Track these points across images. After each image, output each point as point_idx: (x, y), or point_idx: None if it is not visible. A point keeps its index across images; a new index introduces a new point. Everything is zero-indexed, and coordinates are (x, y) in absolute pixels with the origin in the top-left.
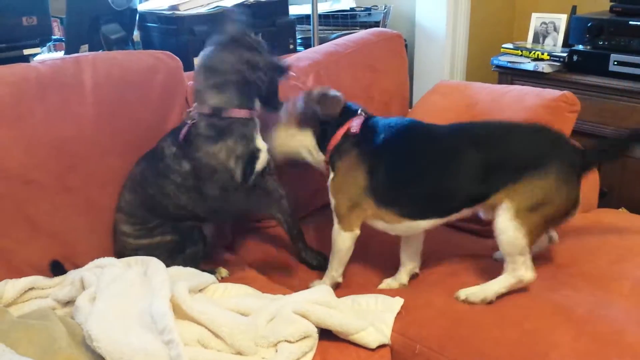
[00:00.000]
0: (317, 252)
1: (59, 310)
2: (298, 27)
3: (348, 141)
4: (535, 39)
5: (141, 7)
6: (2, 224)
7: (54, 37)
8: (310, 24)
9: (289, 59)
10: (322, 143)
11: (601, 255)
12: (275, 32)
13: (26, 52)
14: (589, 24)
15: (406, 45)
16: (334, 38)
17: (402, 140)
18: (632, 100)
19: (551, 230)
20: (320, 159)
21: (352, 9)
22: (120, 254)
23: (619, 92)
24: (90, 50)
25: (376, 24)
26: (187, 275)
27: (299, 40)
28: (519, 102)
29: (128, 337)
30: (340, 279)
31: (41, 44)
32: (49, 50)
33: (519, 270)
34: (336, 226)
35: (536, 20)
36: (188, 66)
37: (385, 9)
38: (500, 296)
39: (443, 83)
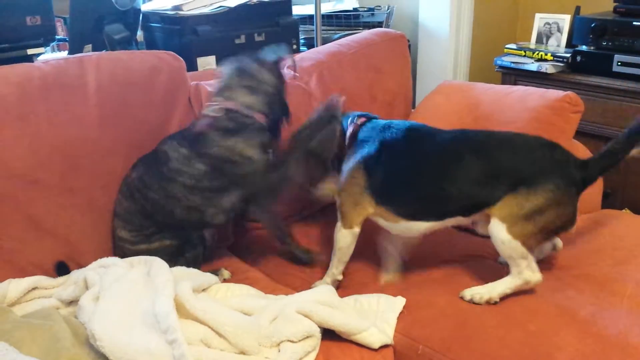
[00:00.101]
0: (306, 248)
1: (63, 310)
2: (301, 27)
3: (351, 143)
4: (539, 40)
5: (145, 7)
6: (5, 223)
7: (57, 37)
8: (313, 24)
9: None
10: None
11: (605, 257)
12: (278, 32)
13: (30, 52)
14: (592, 25)
15: (409, 46)
16: (337, 38)
17: (401, 141)
18: (636, 100)
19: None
20: None
21: (355, 9)
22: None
23: (622, 92)
24: (93, 50)
25: (379, 24)
26: (190, 276)
27: (302, 41)
28: (522, 103)
29: (131, 337)
30: (340, 277)
31: (45, 44)
32: (53, 50)
33: (524, 272)
34: (338, 224)
35: (540, 20)
36: (191, 66)
37: (388, 9)
38: (504, 297)
39: (446, 83)
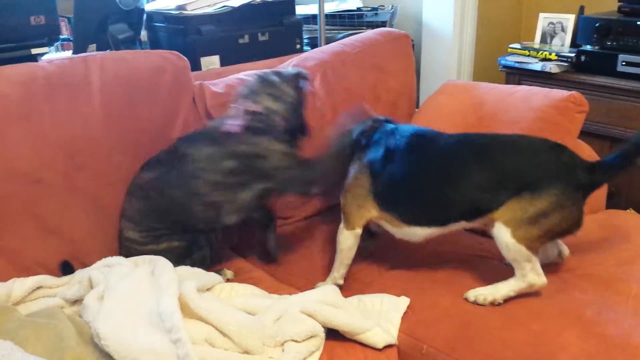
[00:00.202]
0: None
1: (67, 309)
2: (305, 27)
3: (358, 147)
4: (543, 39)
5: (148, 7)
6: (10, 222)
7: (61, 36)
8: (317, 24)
9: (296, 59)
10: None
11: (609, 257)
12: (282, 31)
13: (34, 51)
14: (596, 24)
15: (413, 45)
16: (341, 38)
17: (404, 147)
18: None
19: (560, 243)
20: None
21: (358, 9)
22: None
23: (626, 92)
24: (97, 49)
25: (383, 24)
26: (194, 275)
27: (305, 40)
28: (526, 103)
29: (136, 336)
30: (341, 281)
31: (49, 44)
32: (57, 50)
33: (528, 276)
34: (341, 225)
35: (544, 20)
36: (195, 66)
37: (392, 8)
38: (508, 298)
39: (450, 83)
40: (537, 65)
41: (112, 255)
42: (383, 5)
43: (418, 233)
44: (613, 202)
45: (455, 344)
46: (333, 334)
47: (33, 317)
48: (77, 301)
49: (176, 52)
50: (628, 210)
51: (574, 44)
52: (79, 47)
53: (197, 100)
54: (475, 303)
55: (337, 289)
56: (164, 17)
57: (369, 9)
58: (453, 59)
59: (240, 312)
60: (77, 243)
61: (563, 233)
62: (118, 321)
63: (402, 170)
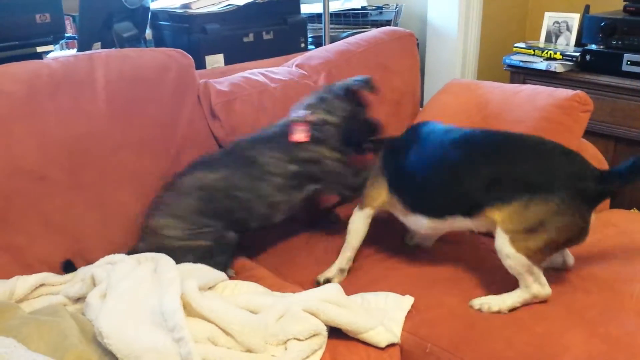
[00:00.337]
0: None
1: (70, 307)
2: (309, 26)
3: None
4: (548, 39)
5: (153, 6)
6: (14, 220)
7: (66, 34)
8: (321, 23)
9: (301, 58)
10: None
11: (613, 258)
12: (286, 30)
13: (39, 49)
14: (602, 24)
15: (417, 44)
16: (345, 37)
17: (415, 134)
18: None
19: (566, 254)
20: None
21: (363, 8)
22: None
23: (631, 92)
24: (102, 48)
25: (387, 23)
26: (197, 273)
27: (310, 39)
28: (531, 102)
29: (139, 334)
30: (346, 266)
31: (54, 42)
32: (62, 48)
33: (532, 287)
34: (356, 207)
35: (549, 19)
36: (200, 64)
37: (396, 7)
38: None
39: (454, 82)
40: (542, 65)
41: (116, 252)
42: (388, 4)
43: (421, 222)
44: (617, 202)
45: (459, 343)
46: (336, 333)
47: (36, 314)
48: (80, 299)
49: (181, 50)
50: (632, 210)
51: (579, 43)
52: (84, 46)
53: (202, 98)
54: (479, 311)
55: (340, 288)
56: (169, 15)
57: (373, 7)
58: (458, 58)
59: (243, 310)
60: (81, 240)
61: (567, 243)
62: (120, 319)
63: (410, 157)
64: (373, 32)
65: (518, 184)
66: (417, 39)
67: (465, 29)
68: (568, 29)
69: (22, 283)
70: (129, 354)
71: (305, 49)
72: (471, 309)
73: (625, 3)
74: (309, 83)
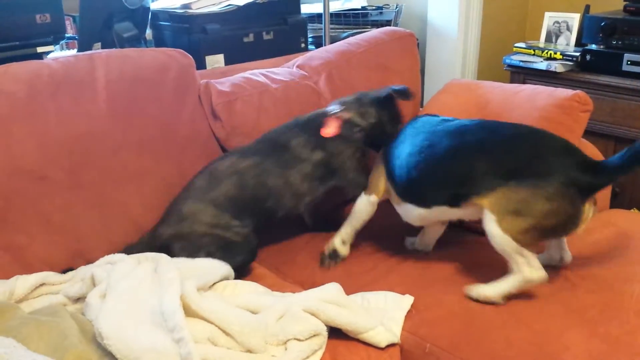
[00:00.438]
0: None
1: (70, 307)
2: (309, 26)
3: None
4: (548, 38)
5: (154, 6)
6: (15, 219)
7: (67, 35)
8: (321, 23)
9: (301, 58)
10: None
11: (613, 257)
12: (286, 30)
13: (39, 49)
14: (602, 24)
15: (417, 44)
16: (345, 37)
17: (412, 124)
18: None
19: (564, 248)
20: None
21: (363, 8)
22: (177, 237)
23: (631, 92)
24: (102, 48)
25: (387, 23)
26: (197, 271)
27: (310, 39)
28: (531, 102)
29: (138, 335)
30: (347, 239)
31: (54, 42)
32: (62, 49)
33: (523, 270)
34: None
35: (549, 19)
36: (200, 64)
37: (397, 7)
38: (512, 296)
39: (454, 82)
40: (542, 65)
41: (116, 252)
42: (388, 4)
43: (411, 211)
44: (617, 201)
45: (459, 342)
46: (336, 333)
47: (36, 314)
48: (79, 299)
49: (181, 50)
50: (632, 210)
51: (579, 43)
52: (84, 46)
53: (202, 98)
54: (476, 299)
55: (340, 287)
56: (169, 15)
57: (373, 7)
58: (458, 58)
59: (243, 311)
60: (81, 240)
61: (556, 230)
62: (120, 320)
63: (401, 147)
64: (373, 33)
65: (507, 172)
66: (417, 39)
67: (466, 29)
68: (568, 28)
69: (22, 283)
70: (129, 355)
71: (306, 49)
72: (471, 306)
73: (625, 3)
74: (309, 84)
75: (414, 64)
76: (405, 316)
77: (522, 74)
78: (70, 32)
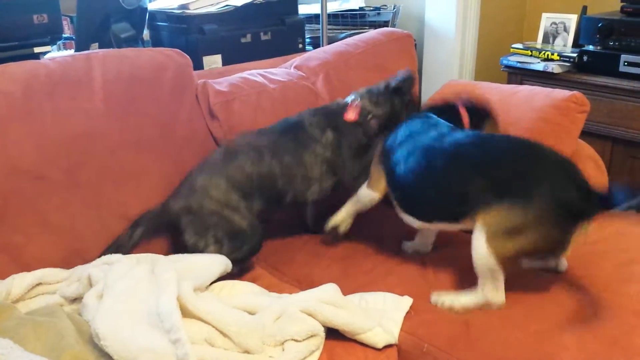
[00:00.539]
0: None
1: (67, 307)
2: (307, 27)
3: None
4: (545, 39)
5: (151, 6)
6: (12, 219)
7: (64, 35)
8: (319, 24)
9: (299, 59)
10: None
11: (609, 258)
12: (284, 31)
13: (37, 50)
14: (599, 25)
15: (415, 45)
16: (343, 37)
17: (407, 125)
18: None
19: (560, 258)
20: None
21: (361, 9)
22: (186, 210)
23: (629, 92)
24: (100, 49)
25: (385, 24)
26: (194, 272)
27: (307, 40)
28: (528, 103)
29: (135, 336)
30: (342, 227)
31: (52, 42)
32: (59, 49)
33: (487, 292)
34: (366, 182)
35: (546, 20)
36: (198, 65)
37: (394, 8)
38: (508, 298)
39: (452, 83)
40: (539, 66)
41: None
42: (385, 5)
43: (412, 221)
44: None
45: (456, 343)
46: (333, 333)
47: (32, 315)
48: (76, 299)
49: (178, 50)
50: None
51: (576, 44)
52: (81, 46)
53: (200, 98)
54: (436, 305)
55: (337, 288)
56: (167, 16)
57: (371, 8)
58: (455, 58)
59: (240, 311)
60: (79, 239)
61: (543, 253)
62: (117, 321)
63: (399, 161)
64: (371, 33)
65: (501, 191)
66: (414, 40)
67: (463, 30)
68: (565, 29)
69: (19, 282)
70: (126, 356)
71: (303, 50)
72: (469, 310)
73: (622, 4)
74: (307, 84)
75: (411, 64)
76: (404, 317)
77: (520, 75)
78: (67, 32)
